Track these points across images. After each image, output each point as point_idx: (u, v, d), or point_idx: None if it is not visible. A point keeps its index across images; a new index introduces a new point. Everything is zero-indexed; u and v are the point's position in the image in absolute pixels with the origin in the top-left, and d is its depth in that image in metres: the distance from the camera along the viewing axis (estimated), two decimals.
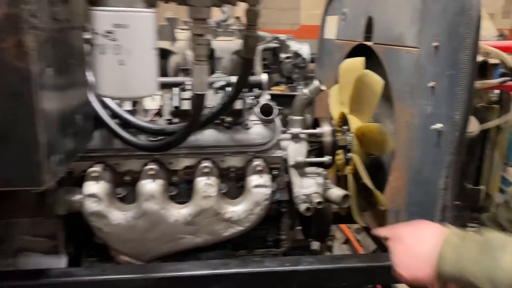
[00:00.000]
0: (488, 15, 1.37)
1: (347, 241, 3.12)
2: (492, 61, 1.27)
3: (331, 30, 2.21)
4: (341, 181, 1.81)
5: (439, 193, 1.20)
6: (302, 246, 1.81)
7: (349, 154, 1.67)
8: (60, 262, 1.47)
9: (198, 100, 0.99)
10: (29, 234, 1.47)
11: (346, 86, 1.73)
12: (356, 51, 1.83)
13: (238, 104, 1.34)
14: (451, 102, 1.14)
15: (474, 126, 1.20)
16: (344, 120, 1.77)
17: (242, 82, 1.07)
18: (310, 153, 1.67)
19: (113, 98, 1.12)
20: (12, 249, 1.47)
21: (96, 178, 1.29)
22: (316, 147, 1.70)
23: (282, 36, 1.63)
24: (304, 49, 1.69)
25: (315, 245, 2.34)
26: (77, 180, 1.33)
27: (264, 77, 1.48)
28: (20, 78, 0.75)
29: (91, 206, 1.27)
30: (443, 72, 1.17)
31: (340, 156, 1.79)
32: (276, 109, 1.40)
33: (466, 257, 0.88)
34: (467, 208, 1.45)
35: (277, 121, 1.45)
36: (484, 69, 1.30)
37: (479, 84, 1.21)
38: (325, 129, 1.70)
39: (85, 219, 1.29)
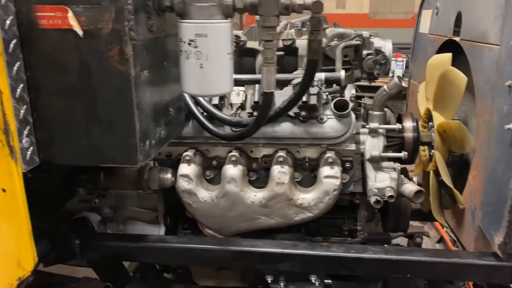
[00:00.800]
0: None
1: (440, 240, 3.03)
2: None
3: (426, 24, 2.17)
4: (426, 177, 1.81)
5: (510, 193, 1.18)
6: (383, 239, 1.85)
7: (433, 151, 1.68)
8: (159, 231, 1.74)
9: (266, 97, 1.12)
10: (135, 206, 1.76)
11: (432, 82, 1.72)
12: (447, 46, 1.80)
13: (312, 100, 1.44)
14: None
15: None
16: (429, 116, 1.76)
17: (307, 81, 1.17)
18: (390, 148, 1.71)
19: (195, 95, 1.31)
20: (123, 217, 1.78)
21: (189, 161, 1.50)
22: (397, 142, 1.72)
23: (365, 33, 1.68)
24: (387, 46, 1.71)
25: (403, 241, 2.35)
26: (174, 162, 1.56)
27: (342, 73, 1.55)
28: (121, 79, 0.96)
29: (183, 184, 1.49)
30: None
31: (425, 152, 1.79)
32: (350, 104, 1.47)
33: None
34: None
35: (352, 115, 1.53)
36: None
37: None
38: (407, 124, 1.72)
39: (178, 195, 1.51)
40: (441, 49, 1.86)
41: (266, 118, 1.21)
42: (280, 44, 1.68)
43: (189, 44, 1.01)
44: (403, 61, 5.43)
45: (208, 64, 1.02)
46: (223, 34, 1.02)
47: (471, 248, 1.45)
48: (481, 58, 1.43)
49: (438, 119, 1.66)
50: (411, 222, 2.46)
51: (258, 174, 1.58)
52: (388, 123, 1.69)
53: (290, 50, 1.76)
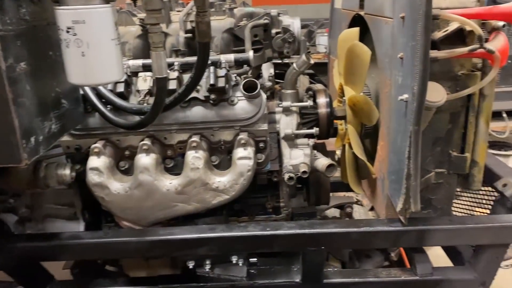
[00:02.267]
0: None
1: (372, 208, 3.15)
2: (469, 28, 1.24)
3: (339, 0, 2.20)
4: (343, 150, 1.86)
5: (405, 161, 1.23)
6: (308, 213, 1.89)
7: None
8: (79, 227, 1.68)
9: (159, 83, 1.10)
10: (52, 203, 1.69)
11: (343, 57, 1.76)
12: (357, 20, 1.83)
13: (220, 82, 1.43)
14: (412, 73, 1.16)
15: (439, 96, 1.20)
16: (343, 91, 1.80)
17: (201, 64, 1.15)
18: (306, 125, 1.74)
19: (81, 85, 1.26)
20: (41, 216, 1.70)
21: (98, 154, 1.45)
22: (313, 118, 1.75)
23: (273, 11, 1.67)
24: (295, 23, 1.72)
25: (336, 212, 2.43)
26: (85, 155, 1.50)
27: (250, 54, 1.55)
28: None
29: (93, 178, 1.44)
30: (408, 43, 1.19)
31: (342, 126, 1.84)
32: (259, 84, 1.47)
33: None
34: (453, 175, 1.45)
35: (263, 95, 1.53)
36: (462, 36, 1.28)
37: (444, 53, 1.20)
38: (320, 100, 1.75)
39: (89, 190, 1.46)
40: (352, 23, 1.90)
41: (163, 104, 1.18)
42: (189, 26, 1.64)
43: (67, 31, 0.96)
44: None
45: (90, 52, 0.97)
46: (103, 19, 0.97)
47: (383, 215, 1.52)
48: (380, 31, 1.47)
49: (349, 93, 1.71)
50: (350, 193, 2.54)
51: (175, 161, 1.56)
52: (301, 101, 1.71)
53: None
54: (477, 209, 1.71)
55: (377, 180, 1.59)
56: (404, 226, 1.35)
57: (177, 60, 1.52)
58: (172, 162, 1.56)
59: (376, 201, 1.65)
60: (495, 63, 1.21)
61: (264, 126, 1.52)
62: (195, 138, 1.46)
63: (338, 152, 1.97)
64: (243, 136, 1.47)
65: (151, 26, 1.01)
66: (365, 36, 1.67)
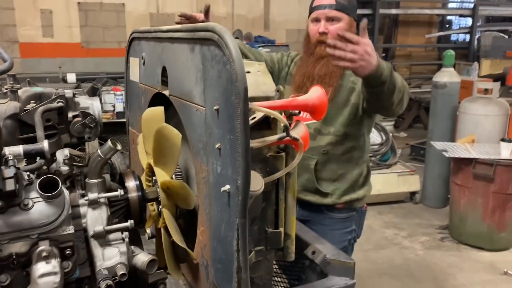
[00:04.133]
0: (267, 70, 1.45)
1: None
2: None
3: (135, 71, 2.12)
4: (158, 232, 1.75)
5: (234, 254, 1.21)
6: None
7: (161, 207, 1.62)
8: None
9: None
10: None
11: (149, 136, 1.67)
12: (159, 96, 1.78)
13: (9, 185, 1.16)
14: (233, 166, 1.17)
15: (258, 184, 1.25)
16: (152, 171, 1.70)
17: None
18: (116, 213, 1.57)
19: None
20: None
21: None
22: (123, 205, 1.60)
23: (68, 92, 1.48)
24: (95, 105, 1.57)
25: None
26: None
27: (45, 144, 1.32)
28: None
29: None
30: (225, 135, 1.19)
31: (153, 207, 1.73)
32: (60, 181, 1.25)
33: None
34: (271, 250, 1.51)
35: (65, 192, 1.31)
36: (268, 123, 1.37)
37: (258, 142, 1.27)
38: (130, 184, 1.62)
39: None
40: (154, 99, 1.84)
41: None
42: None
43: None
44: (122, 94, 5.40)
45: None
46: None
47: None
48: (191, 116, 1.45)
49: (161, 176, 1.62)
50: None
51: None
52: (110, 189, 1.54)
53: None
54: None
55: (200, 266, 1.53)
56: None
57: None
58: None
59: (199, 286, 1.58)
60: (300, 149, 1.33)
61: (70, 229, 1.30)
62: None
63: (148, 231, 1.85)
64: (44, 247, 1.22)
65: None
66: (168, 114, 1.64)
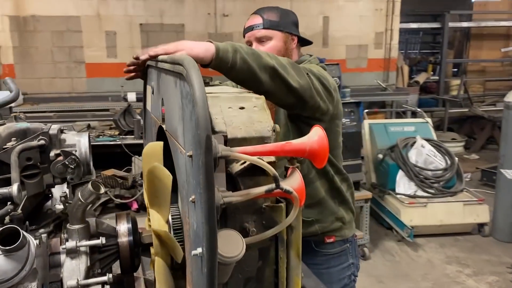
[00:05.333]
0: (267, 104, 1.24)
1: None
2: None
3: (149, 100, 2.01)
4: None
5: None
6: None
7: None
8: None
9: None
10: None
11: (146, 175, 1.52)
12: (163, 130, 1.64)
13: None
14: (203, 225, 0.96)
15: (236, 248, 1.03)
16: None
17: None
18: (104, 260, 1.43)
19: None
20: None
21: None
22: (114, 250, 1.46)
23: (54, 128, 1.37)
24: (82, 142, 1.44)
25: None
26: None
27: (14, 188, 1.20)
28: None
29: None
30: (197, 188, 1.00)
31: (153, 250, 1.57)
32: (22, 232, 1.12)
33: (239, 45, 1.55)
34: None
35: (31, 244, 1.18)
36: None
37: (239, 196, 1.05)
38: (121, 227, 1.48)
39: None
40: (160, 132, 1.70)
41: None
42: None
43: None
44: None
45: None
46: None
47: None
48: (177, 157, 1.28)
49: (155, 219, 1.46)
50: None
51: None
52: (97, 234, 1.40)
53: None
54: None
55: None
56: None
57: None
58: None
59: None
60: (295, 202, 1.10)
61: (33, 286, 1.16)
62: None
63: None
64: None
65: None
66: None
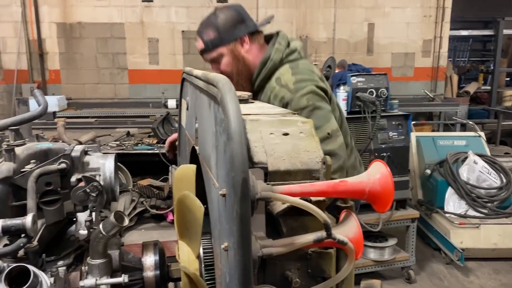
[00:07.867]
0: (313, 130, 1.05)
1: None
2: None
3: (183, 116, 1.87)
4: None
5: None
6: None
7: None
8: None
9: None
10: None
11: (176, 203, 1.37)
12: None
13: None
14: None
15: None
16: None
17: None
18: None
19: None
20: None
21: None
22: (139, 287, 1.31)
23: (77, 149, 1.23)
24: (107, 165, 1.30)
25: None
26: None
27: (28, 219, 1.07)
28: None
29: None
30: (231, 235, 0.82)
31: None
32: (33, 272, 0.98)
33: None
34: None
35: (45, 281, 1.04)
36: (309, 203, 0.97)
37: (281, 248, 0.87)
38: (146, 261, 1.33)
39: None
40: (193, 152, 1.55)
41: None
42: None
43: None
44: None
45: None
46: None
47: None
48: (210, 189, 1.11)
49: (185, 253, 1.30)
50: None
51: None
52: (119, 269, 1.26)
53: None
54: None
55: None
56: None
57: None
58: None
59: None
60: (350, 255, 0.90)
61: None
62: None
63: None
64: None
65: None
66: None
